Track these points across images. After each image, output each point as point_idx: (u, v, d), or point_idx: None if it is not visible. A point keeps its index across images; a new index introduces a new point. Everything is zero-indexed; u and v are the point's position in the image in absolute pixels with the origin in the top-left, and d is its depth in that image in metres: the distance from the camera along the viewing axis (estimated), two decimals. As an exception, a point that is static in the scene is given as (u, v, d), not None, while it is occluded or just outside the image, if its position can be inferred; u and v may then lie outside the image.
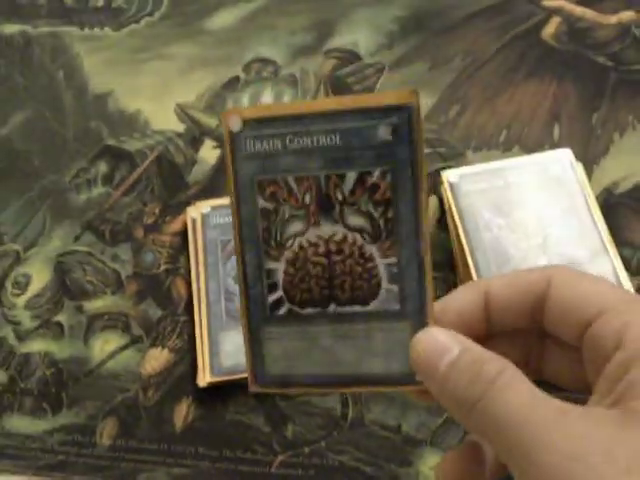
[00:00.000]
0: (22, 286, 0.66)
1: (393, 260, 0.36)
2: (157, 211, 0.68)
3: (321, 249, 0.36)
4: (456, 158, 0.68)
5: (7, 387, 0.61)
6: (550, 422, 0.29)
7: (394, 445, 0.56)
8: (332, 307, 0.37)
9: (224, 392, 0.58)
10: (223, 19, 0.81)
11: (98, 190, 0.71)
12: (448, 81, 0.74)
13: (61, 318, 0.64)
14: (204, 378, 0.58)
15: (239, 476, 0.56)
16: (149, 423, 0.59)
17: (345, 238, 0.36)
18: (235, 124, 0.36)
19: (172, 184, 0.70)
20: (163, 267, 0.65)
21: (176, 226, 0.67)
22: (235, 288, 0.60)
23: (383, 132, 0.35)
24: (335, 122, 0.35)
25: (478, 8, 0.79)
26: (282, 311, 0.37)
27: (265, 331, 0.37)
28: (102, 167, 0.72)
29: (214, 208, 0.64)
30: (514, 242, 0.59)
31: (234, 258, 0.61)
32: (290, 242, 0.37)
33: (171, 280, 0.64)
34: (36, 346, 0.63)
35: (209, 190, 0.69)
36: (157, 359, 0.61)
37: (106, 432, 0.59)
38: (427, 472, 0.55)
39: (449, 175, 0.62)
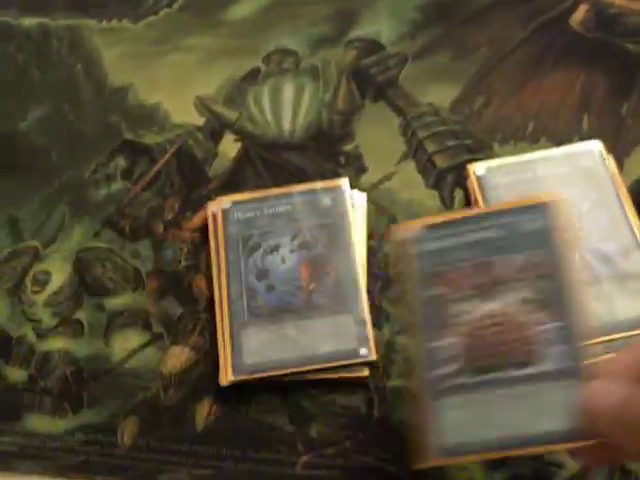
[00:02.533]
0: (41, 283, 0.65)
1: (559, 324, 0.41)
2: (177, 206, 0.67)
3: (495, 320, 0.42)
4: (483, 150, 0.67)
5: (27, 386, 0.60)
6: None
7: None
8: (505, 372, 0.41)
9: (247, 391, 0.57)
10: (243, 9, 0.80)
11: (117, 185, 0.70)
12: (472, 71, 0.72)
13: (81, 315, 0.63)
14: (226, 377, 0.56)
15: (262, 477, 0.55)
16: (170, 422, 0.58)
17: (513, 310, 0.42)
18: (412, 234, 0.45)
19: (192, 178, 0.69)
20: (184, 263, 0.64)
21: (197, 222, 0.66)
22: (257, 285, 0.59)
23: (533, 223, 0.44)
24: (495, 219, 0.45)
25: (503, -5, 0.77)
26: (457, 381, 0.41)
27: (441, 404, 0.42)
28: (121, 162, 0.71)
29: (235, 203, 0.63)
30: (543, 236, 0.57)
31: (255, 254, 0.60)
32: (462, 318, 0.42)
33: (192, 277, 0.63)
34: (56, 344, 0.62)
35: (230, 184, 0.68)
36: (178, 357, 0.60)
37: (127, 432, 0.58)
38: (452, 473, 0.53)
39: (476, 168, 0.61)
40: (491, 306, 0.42)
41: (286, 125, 0.71)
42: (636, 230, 0.57)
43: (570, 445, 0.39)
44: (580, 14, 0.74)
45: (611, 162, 0.61)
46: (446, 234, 0.44)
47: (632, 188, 0.63)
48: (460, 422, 0.41)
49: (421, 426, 0.41)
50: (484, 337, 0.42)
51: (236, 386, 0.57)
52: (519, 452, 0.41)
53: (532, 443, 0.40)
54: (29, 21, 0.82)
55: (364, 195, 0.64)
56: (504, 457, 0.46)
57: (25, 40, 0.81)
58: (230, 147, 0.71)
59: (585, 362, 0.40)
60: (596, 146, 0.61)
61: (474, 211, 0.46)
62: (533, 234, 0.43)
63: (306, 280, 0.59)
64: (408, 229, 0.45)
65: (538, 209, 0.44)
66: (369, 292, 0.58)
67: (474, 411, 0.41)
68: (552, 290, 0.42)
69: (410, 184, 0.66)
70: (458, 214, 0.45)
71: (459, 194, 0.65)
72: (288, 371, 0.56)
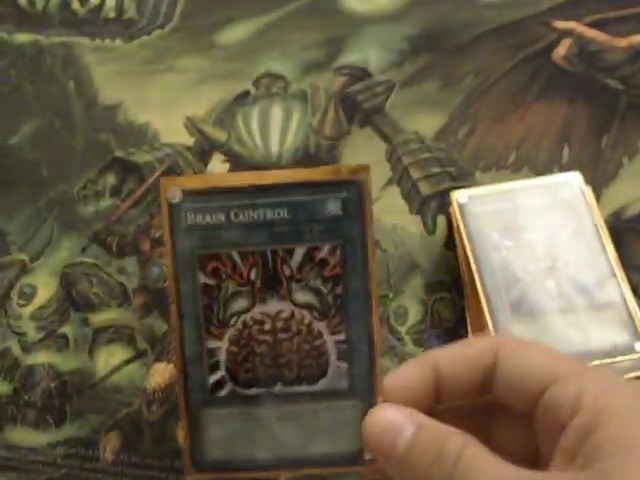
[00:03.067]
0: (28, 297, 0.66)
1: (342, 337, 0.35)
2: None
3: (267, 327, 0.35)
4: (465, 178, 0.68)
5: (11, 399, 0.61)
6: None
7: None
8: (278, 387, 0.35)
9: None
10: (234, 33, 0.81)
11: (106, 202, 0.71)
12: (458, 101, 0.74)
13: (66, 330, 0.64)
14: (209, 394, 0.57)
15: (242, 494, 0.55)
16: (152, 438, 0.58)
17: (292, 315, 0.35)
18: (174, 195, 0.35)
19: (180, 198, 0.70)
20: (170, 281, 0.65)
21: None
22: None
23: (332, 206, 0.34)
24: (283, 195, 0.34)
25: (489, 28, 0.79)
26: (224, 392, 0.36)
27: (205, 413, 0.36)
28: (110, 179, 0.72)
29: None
30: (522, 264, 0.59)
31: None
32: (234, 320, 0.35)
33: (177, 294, 0.64)
34: (41, 358, 0.63)
35: (217, 205, 0.69)
36: (162, 374, 0.61)
37: (109, 446, 0.58)
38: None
39: (458, 196, 0.62)
40: (263, 309, 0.35)
41: (274, 148, 0.72)
42: (612, 261, 0.58)
43: (354, 469, 0.36)
44: (563, 49, 0.76)
45: (590, 193, 0.62)
46: (215, 206, 0.34)
47: (609, 219, 0.64)
48: (226, 437, 0.36)
49: (185, 436, 0.36)
50: (251, 346, 0.35)
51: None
52: (298, 473, 0.36)
53: (312, 464, 0.36)
54: (23, 37, 0.83)
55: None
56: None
57: (19, 56, 0.82)
58: (219, 168, 0.72)
59: (368, 382, 0.35)
60: (575, 178, 0.62)
61: (254, 178, 0.34)
62: (326, 221, 0.34)
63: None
64: (173, 187, 0.35)
65: (338, 189, 0.34)
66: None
67: (243, 427, 0.35)
68: (340, 296, 0.35)
69: (394, 209, 0.67)
70: (236, 179, 0.35)
71: (441, 220, 0.66)
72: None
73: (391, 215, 0.67)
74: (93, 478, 0.57)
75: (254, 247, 0.35)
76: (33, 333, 0.64)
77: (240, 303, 0.35)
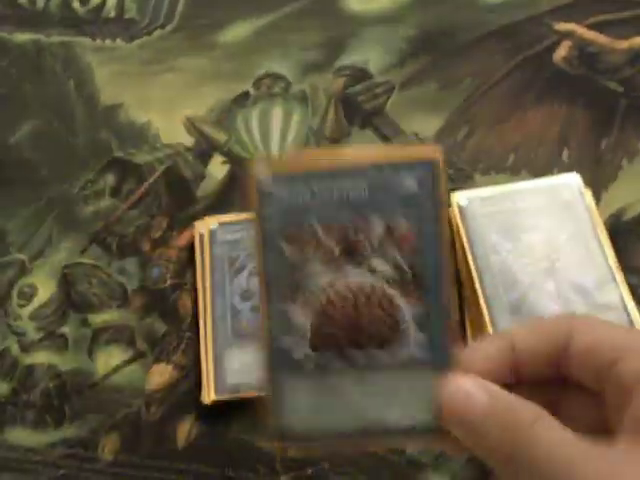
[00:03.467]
0: (27, 297, 0.66)
1: (420, 309, 0.36)
2: (164, 225, 0.68)
3: (349, 300, 0.36)
4: (464, 180, 0.68)
5: (10, 399, 0.61)
6: (593, 460, 0.30)
7: (397, 468, 0.56)
8: (360, 358, 0.36)
9: (228, 410, 0.58)
10: (234, 33, 0.81)
11: (105, 202, 0.71)
12: (457, 102, 0.74)
13: (66, 330, 0.64)
14: (208, 395, 0.57)
15: (241, 495, 0.56)
16: (151, 439, 0.58)
17: (373, 288, 0.36)
18: (263, 176, 0.36)
19: (180, 198, 0.70)
20: (169, 282, 0.65)
21: (183, 240, 0.67)
22: (242, 305, 0.60)
23: (409, 184, 0.36)
24: (362, 175, 0.36)
25: (489, 30, 0.79)
26: (309, 365, 0.36)
27: (290, 385, 0.36)
28: (110, 179, 0.72)
29: (222, 224, 0.64)
30: (522, 266, 0.59)
31: (241, 275, 0.61)
32: (318, 293, 0.36)
33: (177, 295, 0.64)
34: (40, 358, 0.63)
35: (217, 205, 0.69)
36: (161, 375, 0.61)
37: (108, 447, 0.58)
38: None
39: (458, 198, 0.62)
40: (345, 283, 0.36)
41: (274, 149, 0.72)
42: (611, 263, 0.58)
43: (433, 439, 0.37)
44: (563, 51, 0.76)
45: (589, 195, 0.62)
46: (301, 187, 0.37)
47: (609, 221, 0.64)
48: (310, 408, 0.36)
49: (267, 403, 0.36)
50: (337, 313, 0.37)
51: (217, 405, 0.57)
52: (378, 444, 0.38)
53: (391, 435, 0.36)
54: (24, 37, 0.83)
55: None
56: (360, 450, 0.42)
57: (19, 55, 0.82)
58: (218, 169, 0.72)
59: (449, 352, 0.36)
60: (575, 179, 0.62)
61: (337, 160, 0.37)
62: (404, 198, 0.36)
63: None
64: (266, 167, 0.37)
65: (413, 168, 0.36)
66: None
67: (326, 398, 0.36)
68: (418, 269, 0.36)
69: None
70: (320, 161, 0.37)
71: (441, 222, 0.66)
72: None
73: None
74: (92, 479, 0.57)
75: (336, 223, 0.36)
76: (32, 333, 0.64)
77: (324, 277, 0.37)
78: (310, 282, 0.37)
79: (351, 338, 0.36)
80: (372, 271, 0.36)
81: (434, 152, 0.36)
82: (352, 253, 0.36)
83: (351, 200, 0.36)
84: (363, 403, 0.36)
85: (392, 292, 0.36)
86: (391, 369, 0.36)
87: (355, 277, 0.36)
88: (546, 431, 0.31)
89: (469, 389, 0.34)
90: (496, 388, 0.34)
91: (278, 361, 0.37)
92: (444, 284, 0.36)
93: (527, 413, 0.32)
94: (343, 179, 0.36)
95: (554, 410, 0.36)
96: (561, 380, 0.36)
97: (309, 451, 0.48)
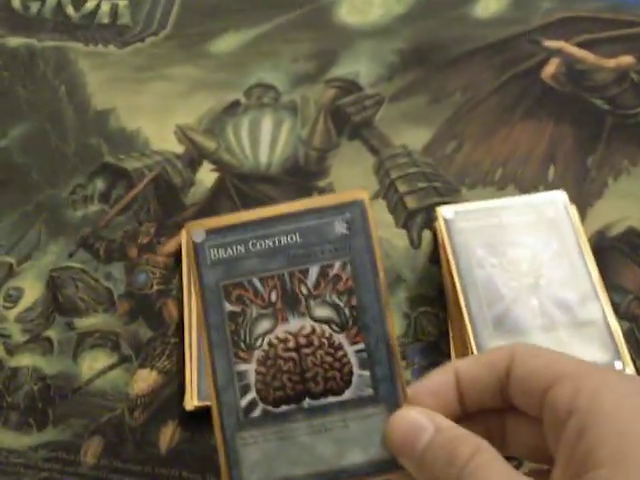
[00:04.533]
0: (14, 299, 0.66)
1: (361, 346, 0.37)
2: (152, 231, 0.69)
3: (291, 344, 0.38)
4: (451, 194, 0.69)
5: (-7, 401, 0.61)
6: None
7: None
8: (307, 401, 0.37)
9: (211, 416, 0.58)
10: (226, 43, 0.82)
11: (94, 207, 0.71)
12: (446, 116, 0.75)
13: (51, 333, 0.64)
14: (191, 401, 0.58)
15: (222, 502, 0.56)
16: (134, 444, 0.59)
17: (313, 330, 0.38)
18: (198, 236, 0.38)
19: (168, 205, 0.71)
20: (155, 288, 0.65)
21: (170, 247, 0.67)
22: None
23: (339, 227, 0.38)
24: (294, 222, 0.38)
25: (479, 45, 0.80)
26: (256, 413, 0.37)
27: (240, 437, 0.37)
28: (99, 184, 0.72)
29: (209, 232, 0.64)
30: (506, 281, 0.59)
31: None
32: (259, 341, 0.38)
33: (163, 301, 0.65)
34: (25, 360, 0.63)
35: (206, 213, 0.69)
36: (145, 380, 0.61)
37: (91, 451, 0.59)
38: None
39: (444, 211, 0.63)
40: (286, 328, 0.37)
41: (263, 158, 0.73)
42: (595, 280, 0.59)
43: (389, 476, 0.37)
44: (552, 67, 0.77)
45: (574, 212, 0.63)
46: (234, 240, 0.38)
47: (594, 238, 0.65)
48: (263, 457, 0.37)
49: (223, 462, 0.37)
50: (278, 364, 0.37)
51: (200, 411, 0.58)
52: None
53: (348, 476, 0.37)
54: (16, 41, 0.84)
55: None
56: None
57: (11, 59, 0.82)
58: (207, 176, 0.72)
59: (394, 387, 0.37)
60: (560, 196, 0.63)
61: (268, 212, 0.38)
62: (335, 241, 0.38)
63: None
64: (197, 229, 0.38)
65: (342, 211, 0.38)
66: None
67: (277, 445, 0.37)
68: (355, 307, 0.37)
69: (380, 223, 0.67)
70: (252, 214, 0.38)
71: (427, 235, 0.67)
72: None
73: (377, 228, 0.67)
74: (74, 482, 0.57)
75: (273, 272, 0.38)
76: (18, 335, 0.64)
77: (264, 325, 0.38)
78: (251, 332, 0.37)
79: (295, 381, 0.37)
80: (311, 315, 0.38)
81: (360, 194, 0.38)
82: (290, 301, 0.38)
83: (285, 247, 0.38)
84: (316, 446, 0.37)
85: (332, 332, 0.37)
86: (339, 409, 0.37)
87: (295, 323, 0.38)
88: (481, 466, 0.32)
89: (415, 421, 0.35)
90: (441, 419, 0.34)
91: (228, 415, 0.37)
92: (384, 319, 0.37)
93: (466, 447, 0.32)
94: (275, 227, 0.38)
95: (501, 438, 0.37)
96: (507, 408, 0.36)
97: None
